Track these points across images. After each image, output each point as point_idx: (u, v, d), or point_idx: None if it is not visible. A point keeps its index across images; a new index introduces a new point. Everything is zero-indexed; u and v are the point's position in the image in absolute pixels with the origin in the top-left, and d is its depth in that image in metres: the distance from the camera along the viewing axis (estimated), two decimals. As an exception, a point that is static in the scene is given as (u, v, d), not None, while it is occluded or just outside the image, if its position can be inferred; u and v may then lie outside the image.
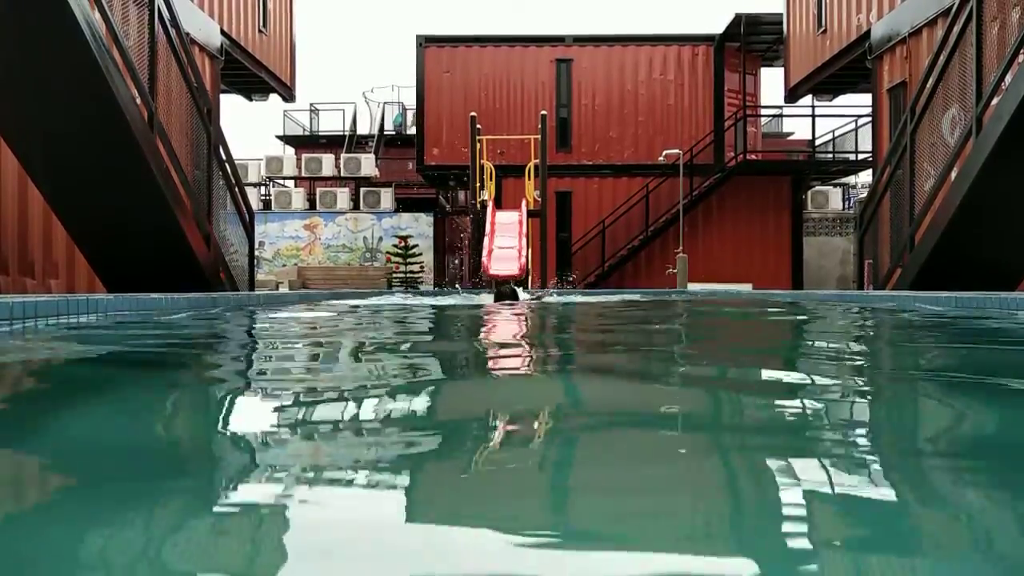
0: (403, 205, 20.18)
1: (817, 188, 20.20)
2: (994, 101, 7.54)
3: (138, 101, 7.24)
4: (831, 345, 3.67)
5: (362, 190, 19.98)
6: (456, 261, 21.70)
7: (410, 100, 22.65)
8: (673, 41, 19.32)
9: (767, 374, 2.59)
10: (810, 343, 4.02)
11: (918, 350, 3.41)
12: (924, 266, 8.64)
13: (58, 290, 8.93)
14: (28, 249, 8.74)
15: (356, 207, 19.81)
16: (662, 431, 1.54)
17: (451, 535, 0.87)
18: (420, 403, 1.85)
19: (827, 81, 16.45)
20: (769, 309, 7.41)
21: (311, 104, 26.99)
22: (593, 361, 3.09)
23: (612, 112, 19.26)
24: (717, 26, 18.92)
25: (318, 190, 20.19)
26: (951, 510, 0.99)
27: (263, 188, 21.69)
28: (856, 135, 19.53)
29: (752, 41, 19.07)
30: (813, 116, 19.41)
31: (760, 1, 37.86)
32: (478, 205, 15.13)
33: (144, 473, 1.16)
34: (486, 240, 13.99)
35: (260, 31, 15.96)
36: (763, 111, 21.43)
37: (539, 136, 14.81)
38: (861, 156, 19.11)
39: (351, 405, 1.80)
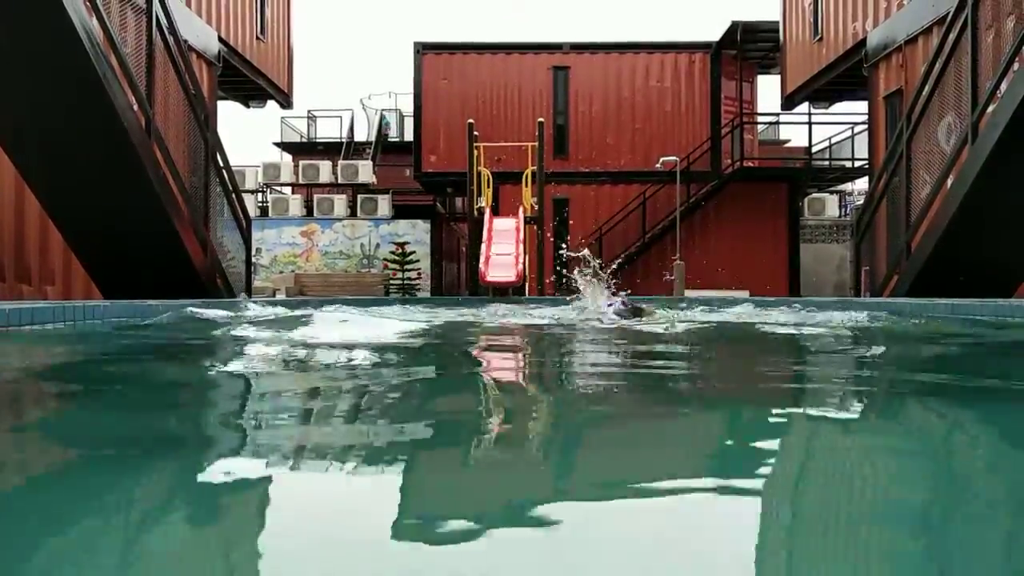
0: (400, 212, 20.17)
1: (814, 195, 20.24)
2: (990, 108, 7.57)
3: (136, 108, 7.25)
4: None
5: (359, 197, 19.97)
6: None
7: (407, 107, 22.68)
8: (670, 49, 19.37)
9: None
10: None
11: None
12: (920, 273, 8.66)
13: (54, 296, 8.92)
14: (24, 256, 8.73)
15: (353, 214, 19.81)
16: None
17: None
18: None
19: (823, 88, 16.49)
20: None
21: (308, 111, 27.03)
22: None
23: (609, 119, 19.29)
24: (714, 34, 18.99)
25: (315, 197, 20.18)
26: None
27: (260, 195, 21.67)
28: (852, 142, 19.59)
29: (749, 49, 19.12)
30: (810, 123, 19.47)
31: (757, 9, 38.11)
32: (475, 212, 15.14)
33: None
34: (483, 247, 14.00)
35: (258, 38, 15.97)
36: (760, 118, 21.49)
37: (536, 143, 14.83)
38: (858, 163, 19.17)
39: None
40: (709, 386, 2.98)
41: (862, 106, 16.05)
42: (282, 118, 25.84)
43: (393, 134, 26.12)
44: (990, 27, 8.18)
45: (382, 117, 25.62)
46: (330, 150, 24.81)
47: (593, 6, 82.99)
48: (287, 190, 22.31)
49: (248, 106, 18.39)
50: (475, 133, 15.23)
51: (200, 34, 12.47)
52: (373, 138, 25.31)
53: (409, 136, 22.54)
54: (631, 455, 1.61)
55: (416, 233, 19.56)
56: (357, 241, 19.60)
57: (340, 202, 19.82)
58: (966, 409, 2.27)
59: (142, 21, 7.75)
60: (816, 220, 19.33)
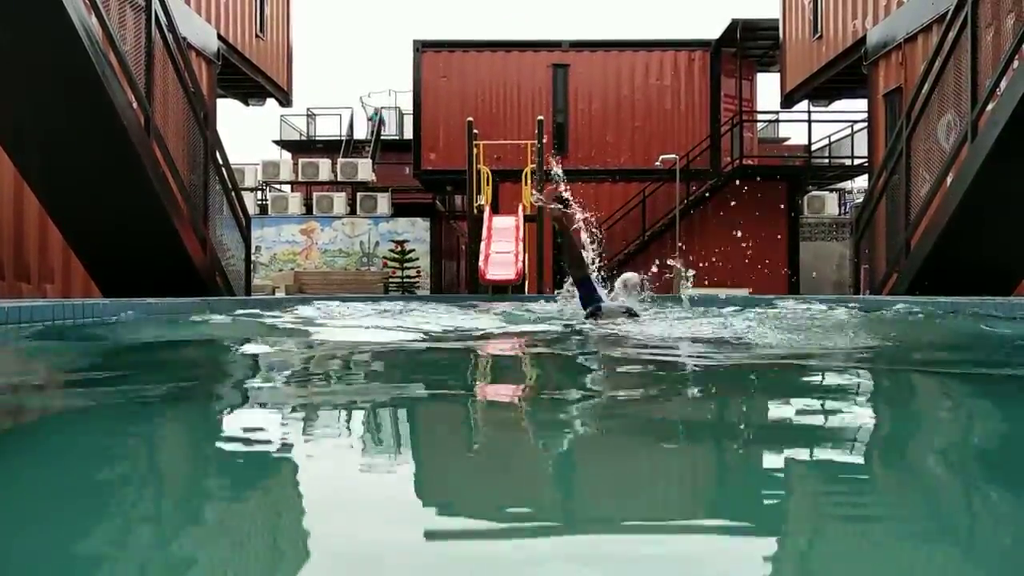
0: (400, 210, 20.15)
1: (813, 193, 20.22)
2: (989, 106, 7.57)
3: (135, 106, 7.24)
4: None
5: (359, 195, 19.95)
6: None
7: (407, 105, 22.66)
8: (670, 47, 19.35)
9: None
10: None
11: None
12: (920, 270, 8.65)
13: (54, 295, 8.91)
14: (24, 254, 8.73)
15: (353, 212, 19.79)
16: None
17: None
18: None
19: (823, 86, 16.48)
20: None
21: (308, 109, 27.00)
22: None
23: (609, 117, 19.27)
24: (714, 32, 18.97)
25: (315, 195, 20.16)
26: None
27: (260, 193, 21.65)
28: (852, 140, 19.57)
29: (748, 47, 19.11)
30: (809, 121, 19.46)
31: (756, 7, 38.06)
32: (475, 210, 15.13)
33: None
34: (483, 245, 13.99)
35: (257, 36, 15.95)
36: (759, 116, 21.47)
37: (536, 141, 14.81)
38: (857, 161, 19.15)
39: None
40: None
41: (862, 104, 16.04)
42: (281, 116, 25.84)
43: (393, 132, 26.09)
44: (990, 25, 8.17)
45: (376, 114, 25.57)
46: (329, 148, 24.78)
47: (593, 4, 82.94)
48: (286, 188, 22.29)
49: (247, 104, 18.38)
50: (475, 131, 15.21)
51: (199, 32, 12.45)
52: (371, 136, 25.28)
53: (409, 134, 22.52)
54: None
55: (416, 231, 19.55)
56: (357, 239, 19.58)
57: (339, 200, 19.80)
58: None
59: (141, 19, 7.74)
60: (816, 218, 19.31)
